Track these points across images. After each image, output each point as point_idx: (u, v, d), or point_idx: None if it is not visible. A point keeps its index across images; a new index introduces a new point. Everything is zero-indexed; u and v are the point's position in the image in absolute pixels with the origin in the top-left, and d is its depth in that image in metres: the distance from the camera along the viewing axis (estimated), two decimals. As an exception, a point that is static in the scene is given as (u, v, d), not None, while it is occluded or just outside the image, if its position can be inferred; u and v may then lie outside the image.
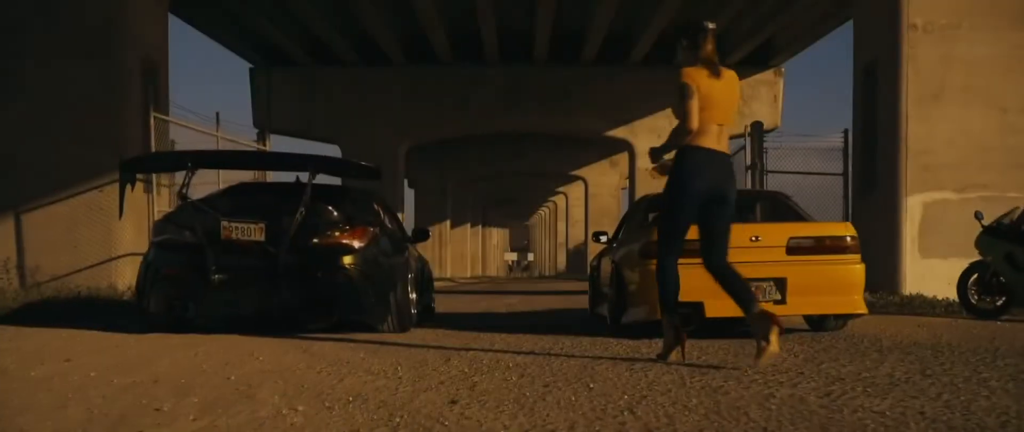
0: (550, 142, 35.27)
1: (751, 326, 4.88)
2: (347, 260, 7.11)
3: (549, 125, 27.40)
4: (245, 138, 13.70)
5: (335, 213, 7.20)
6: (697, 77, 4.90)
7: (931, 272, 12.66)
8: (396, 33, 25.12)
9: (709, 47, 4.93)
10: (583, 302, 13.99)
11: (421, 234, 9.67)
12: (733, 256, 7.07)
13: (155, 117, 11.73)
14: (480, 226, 54.29)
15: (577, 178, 40.02)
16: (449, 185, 38.57)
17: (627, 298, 7.53)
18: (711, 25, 4.97)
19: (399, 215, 26.94)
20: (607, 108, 26.44)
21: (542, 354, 5.84)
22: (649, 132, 26.49)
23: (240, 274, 7.00)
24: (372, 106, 26.48)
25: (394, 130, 26.67)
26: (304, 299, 6.97)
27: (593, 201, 38.29)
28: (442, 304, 13.82)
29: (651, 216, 8.11)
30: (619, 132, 26.67)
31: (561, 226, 53.14)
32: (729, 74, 5.07)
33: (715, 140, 4.93)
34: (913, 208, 12.71)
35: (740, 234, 7.14)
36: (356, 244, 7.19)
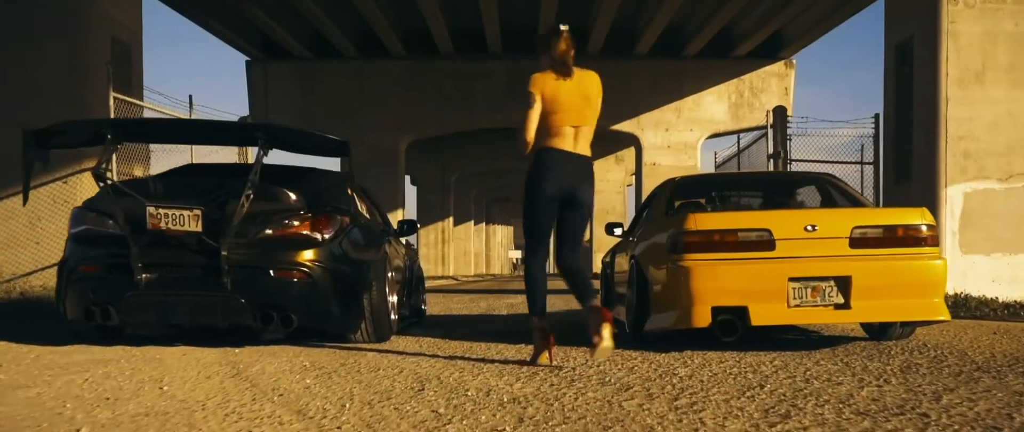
0: (554, 138, 33.68)
1: (585, 319, 4.68)
2: (308, 255, 5.54)
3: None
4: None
5: (294, 197, 5.64)
6: (542, 83, 4.70)
7: (973, 269, 11.16)
8: (397, 25, 23.59)
9: (561, 48, 4.72)
10: None
11: (408, 227, 8.12)
12: (784, 249, 5.55)
13: (117, 99, 10.14)
14: (484, 223, 52.55)
15: (581, 174, 38.31)
16: (451, 181, 36.91)
17: (651, 301, 5.97)
18: (564, 27, 4.74)
19: (401, 209, 25.33)
20: (612, 101, 24.56)
21: (548, 375, 4.28)
22: (656, 125, 24.90)
23: (172, 273, 5.43)
24: (372, 100, 24.91)
25: (394, 124, 25.10)
26: (254, 303, 5.41)
27: (598, 197, 36.55)
28: (439, 305, 12.27)
29: (678, 203, 6.55)
30: (625, 126, 25.05)
31: (565, 223, 51.46)
32: (585, 75, 4.89)
33: (571, 142, 4.73)
34: (953, 199, 11.15)
35: (792, 222, 5.58)
36: (320, 236, 5.63)
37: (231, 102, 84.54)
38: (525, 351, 5.58)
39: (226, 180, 5.62)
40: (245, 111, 24.77)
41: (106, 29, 11.70)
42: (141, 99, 12.17)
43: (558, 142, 4.69)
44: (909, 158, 11.74)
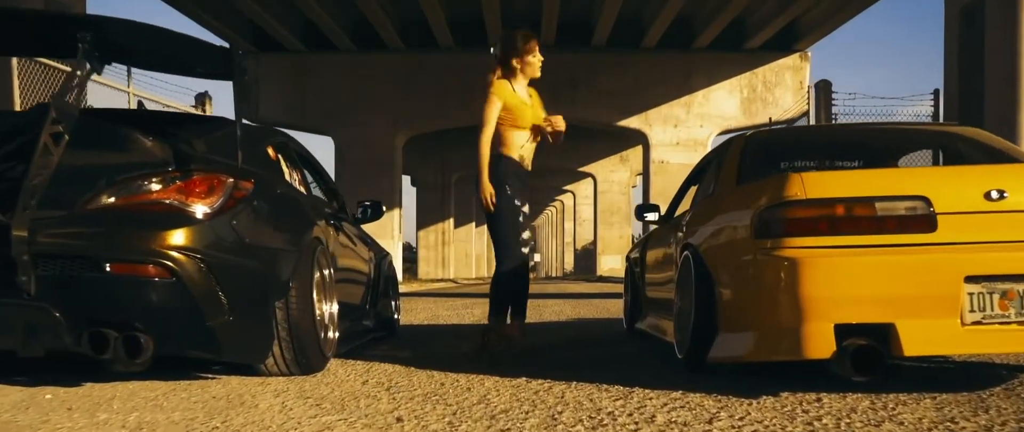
0: (557, 136, 31.29)
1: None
2: (174, 239, 3.21)
3: (557, 115, 23.39)
4: (175, 101, 9.83)
5: (151, 145, 3.32)
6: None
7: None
8: (394, 16, 21.32)
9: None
10: (601, 308, 10.03)
11: (372, 211, 5.82)
12: (952, 229, 3.26)
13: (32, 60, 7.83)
14: (486, 225, 49.58)
15: (585, 175, 35.73)
16: (452, 181, 34.49)
17: (720, 315, 3.65)
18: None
19: (398, 209, 22.91)
20: (619, 96, 22.49)
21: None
22: (664, 121, 22.53)
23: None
24: (368, 94, 22.57)
25: (391, 120, 22.76)
26: (76, 317, 3.10)
27: (602, 198, 34.15)
28: (425, 311, 9.94)
29: (747, 161, 4.19)
30: (632, 122, 22.70)
31: (568, 225, 48.67)
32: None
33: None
34: (1038, 187, 8.77)
35: (963, 186, 3.23)
36: (196, 208, 3.31)
37: (222, 100, 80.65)
38: (525, 390, 3.26)
39: (44, 117, 3.27)
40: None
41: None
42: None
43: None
44: (979, 139, 9.41)
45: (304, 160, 5.05)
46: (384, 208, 5.80)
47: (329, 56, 22.44)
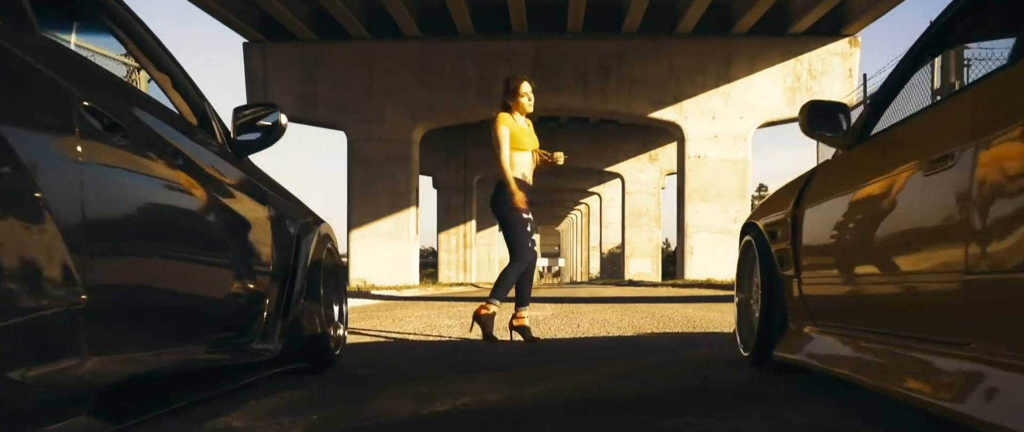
0: (584, 133, 28.30)
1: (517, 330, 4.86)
2: None
3: (585, 106, 20.50)
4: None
5: None
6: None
7: None
8: (411, 2, 18.63)
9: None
10: (657, 316, 6.65)
11: (268, 133, 2.91)
12: None
13: None
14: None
15: (612, 175, 32.64)
16: (474, 183, 31.63)
17: None
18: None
19: (415, 207, 20.09)
20: (652, 85, 19.63)
21: None
22: (701, 113, 19.60)
23: None
24: (383, 85, 19.88)
25: (408, 113, 20.03)
26: None
27: (630, 199, 31.12)
28: (423, 320, 7.04)
29: None
30: (665, 113, 19.80)
31: (594, 229, 45.57)
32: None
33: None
34: None
35: None
36: None
37: (227, 91, 76.51)
38: None
39: None
40: (242, 99, 19.83)
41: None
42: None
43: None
44: None
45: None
46: (283, 120, 2.90)
47: (342, 45, 19.79)
